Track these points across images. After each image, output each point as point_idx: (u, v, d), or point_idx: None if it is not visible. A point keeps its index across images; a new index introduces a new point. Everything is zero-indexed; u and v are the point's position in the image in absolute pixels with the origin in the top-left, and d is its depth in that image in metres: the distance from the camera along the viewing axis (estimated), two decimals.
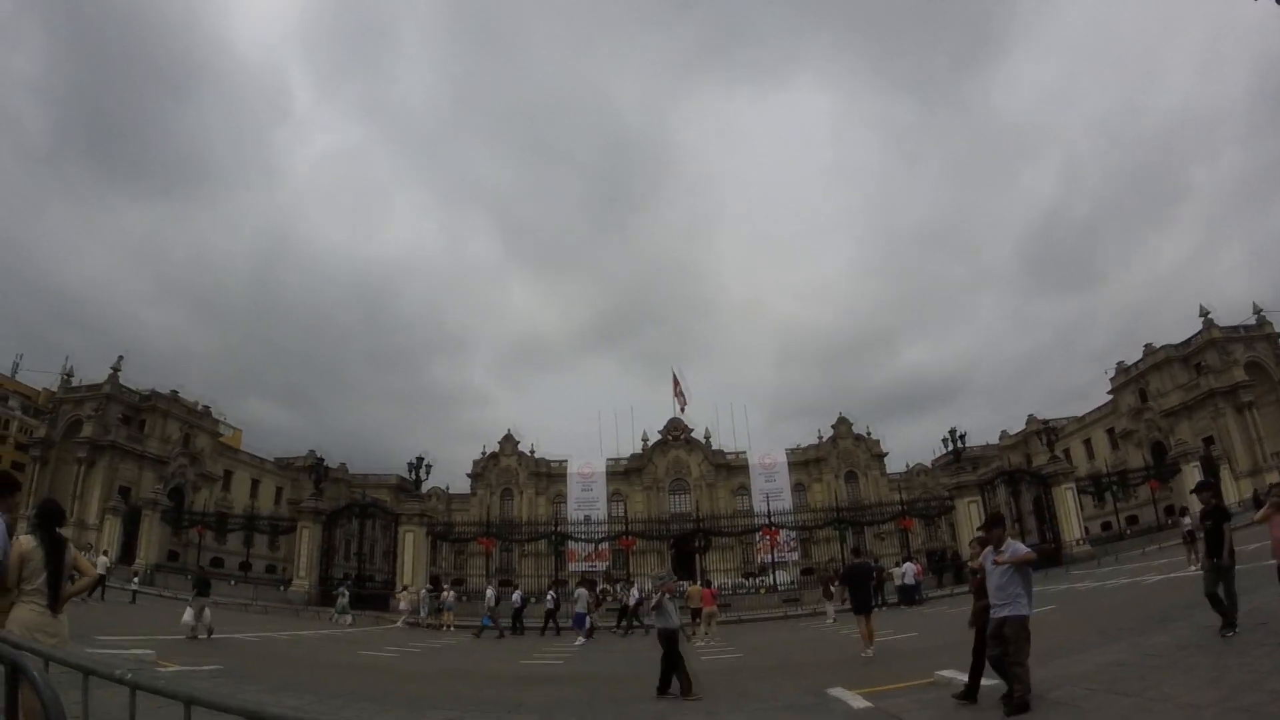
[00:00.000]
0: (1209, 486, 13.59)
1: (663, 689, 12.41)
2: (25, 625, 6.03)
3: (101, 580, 28.33)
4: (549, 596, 35.91)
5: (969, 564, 9.12)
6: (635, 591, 36.01)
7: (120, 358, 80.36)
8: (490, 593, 36.19)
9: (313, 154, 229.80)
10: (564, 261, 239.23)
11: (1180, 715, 6.95)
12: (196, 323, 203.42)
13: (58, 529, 6.64)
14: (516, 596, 36.01)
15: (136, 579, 42.09)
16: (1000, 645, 8.64)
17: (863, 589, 18.73)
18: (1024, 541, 45.54)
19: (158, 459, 77.73)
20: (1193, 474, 51.01)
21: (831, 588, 31.99)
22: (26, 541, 6.39)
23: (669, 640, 12.96)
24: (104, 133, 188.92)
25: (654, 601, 14.17)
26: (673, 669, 12.50)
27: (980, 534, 10.35)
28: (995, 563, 8.93)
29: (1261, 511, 11.59)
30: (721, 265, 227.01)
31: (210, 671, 14.26)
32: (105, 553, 32.08)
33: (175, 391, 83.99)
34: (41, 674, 2.09)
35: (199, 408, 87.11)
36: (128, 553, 53.90)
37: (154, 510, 57.00)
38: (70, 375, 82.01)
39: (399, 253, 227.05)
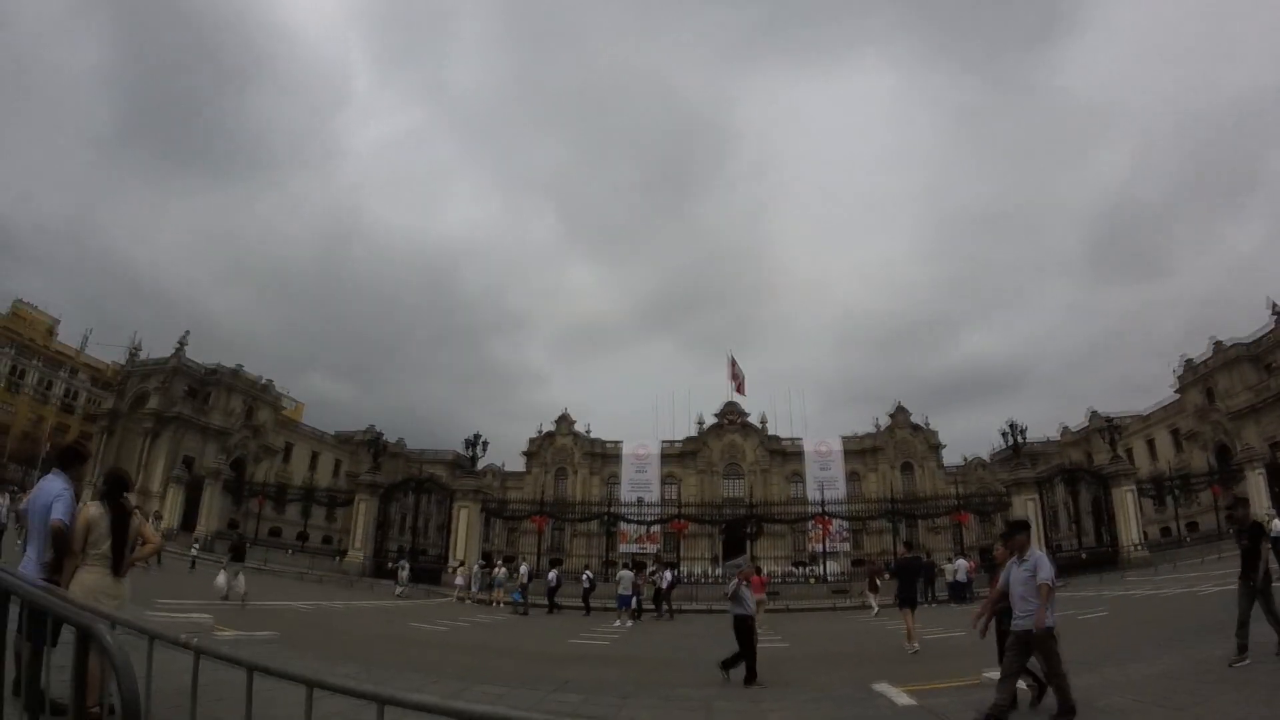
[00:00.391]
0: (1241, 503, 13.04)
1: (730, 664, 12.59)
2: (88, 588, 6.28)
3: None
4: (584, 576, 36.23)
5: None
6: (668, 574, 36.02)
7: (186, 333, 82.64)
8: (524, 569, 36.43)
9: (375, 138, 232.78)
10: (623, 244, 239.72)
11: None
12: (262, 301, 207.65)
13: (123, 497, 6.90)
14: (553, 575, 36.02)
15: (197, 545, 43.14)
16: (1018, 655, 8.52)
17: (911, 584, 19.25)
18: (1080, 543, 44.90)
19: (220, 431, 79.67)
20: (1257, 480, 49.62)
21: (878, 580, 32.49)
22: (93, 509, 6.66)
23: (743, 627, 13.00)
24: (172, 119, 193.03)
25: (731, 588, 14.11)
26: (745, 654, 12.57)
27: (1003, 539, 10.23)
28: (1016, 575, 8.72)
29: None
30: (781, 248, 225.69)
31: (265, 638, 14.62)
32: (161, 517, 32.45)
33: (239, 366, 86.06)
34: (112, 638, 2.19)
35: (261, 382, 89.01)
36: (189, 521, 55.25)
37: (216, 480, 58.35)
38: (138, 350, 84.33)
39: (460, 234, 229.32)
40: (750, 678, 12.31)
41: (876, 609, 30.45)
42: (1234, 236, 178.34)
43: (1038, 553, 8.56)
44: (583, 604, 33.96)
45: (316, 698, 2.29)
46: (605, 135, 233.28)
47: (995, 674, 11.26)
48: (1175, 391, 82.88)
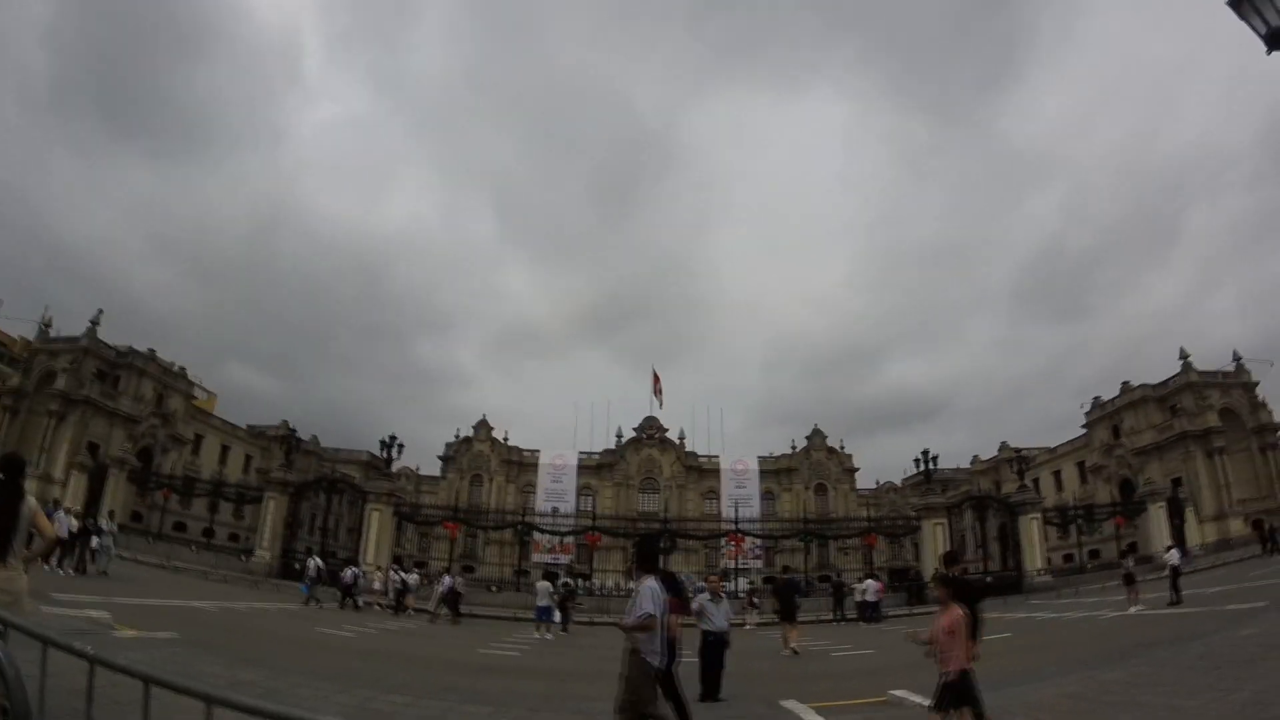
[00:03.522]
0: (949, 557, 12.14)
1: (708, 694, 12.20)
2: None
3: (70, 543, 27.69)
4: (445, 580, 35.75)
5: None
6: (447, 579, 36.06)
7: (100, 311, 79.02)
8: (447, 580, 35.84)
9: (319, 121, 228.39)
10: (562, 249, 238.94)
11: None
12: (186, 284, 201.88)
13: (17, 481, 6.58)
14: (447, 581, 35.45)
15: (96, 540, 41.76)
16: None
17: (789, 600, 23.34)
18: (986, 568, 45.85)
19: (129, 418, 76.96)
20: (1159, 514, 51.59)
21: (754, 599, 36.49)
22: None
23: (713, 645, 12.92)
24: (110, 86, 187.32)
25: (696, 604, 13.84)
26: (709, 672, 12.46)
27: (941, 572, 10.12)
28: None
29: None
30: (721, 265, 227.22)
31: (166, 639, 14.18)
32: (70, 511, 31.00)
33: (152, 350, 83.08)
34: (3, 648, 2.07)
35: (175, 369, 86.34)
36: (90, 511, 53.61)
37: (121, 469, 56.48)
38: (49, 325, 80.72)
39: (398, 227, 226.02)
40: (707, 694, 12.17)
41: (751, 625, 32.77)
42: (1154, 286, 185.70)
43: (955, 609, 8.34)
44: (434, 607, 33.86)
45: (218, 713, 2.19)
46: (553, 140, 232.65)
47: (901, 693, 11.51)
48: (1083, 428, 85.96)
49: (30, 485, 7.13)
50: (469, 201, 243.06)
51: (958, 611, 7.87)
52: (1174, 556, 27.53)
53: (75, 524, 27.85)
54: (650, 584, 8.33)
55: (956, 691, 7.69)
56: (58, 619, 13.51)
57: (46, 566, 25.34)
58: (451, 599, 33.51)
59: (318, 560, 36.03)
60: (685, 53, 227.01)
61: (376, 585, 37.93)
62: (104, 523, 31.65)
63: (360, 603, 34.40)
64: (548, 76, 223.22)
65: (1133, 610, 25.18)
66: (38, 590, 15.59)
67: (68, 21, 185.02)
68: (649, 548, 9.55)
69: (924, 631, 8.38)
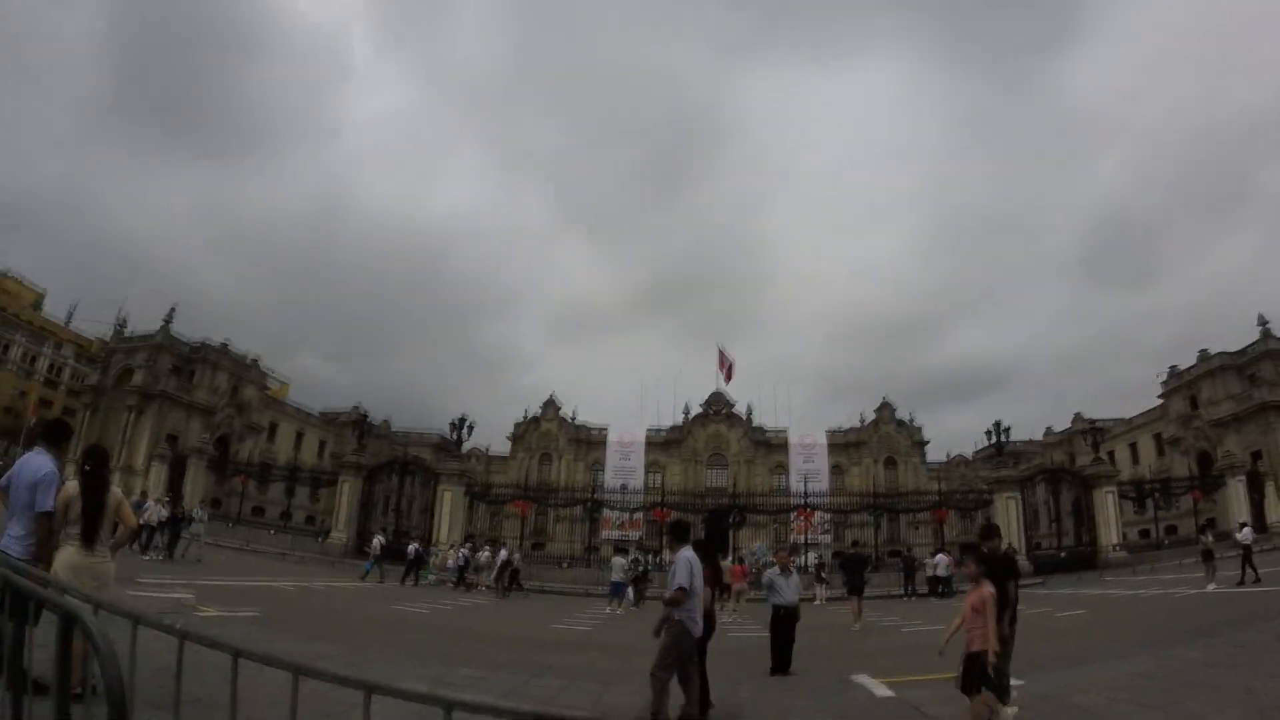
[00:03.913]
0: (993, 531, 10.92)
1: (779, 667, 12.39)
2: (70, 566, 6.28)
3: (161, 530, 28.34)
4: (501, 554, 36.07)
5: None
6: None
7: (173, 308, 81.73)
8: (503, 553, 36.11)
9: (373, 113, 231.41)
10: (618, 228, 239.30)
11: None
12: (252, 277, 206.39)
13: (101, 471, 6.86)
14: (503, 554, 35.70)
15: (189, 526, 42.98)
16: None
17: (858, 574, 23.79)
18: (1059, 543, 44.94)
19: (205, 409, 79.30)
20: (1238, 489, 49.96)
21: (823, 574, 35.35)
22: (71, 486, 6.66)
23: (781, 619, 12.93)
24: (166, 89, 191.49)
25: (765, 578, 13.92)
26: (778, 645, 12.55)
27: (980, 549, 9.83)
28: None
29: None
30: (778, 239, 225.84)
31: (248, 618, 14.60)
32: (160, 500, 31.45)
33: (225, 343, 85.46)
34: (95, 623, 2.19)
35: (248, 360, 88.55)
36: (173, 499, 55.10)
37: (199, 458, 57.96)
38: (124, 325, 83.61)
39: (455, 213, 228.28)
40: (777, 668, 12.31)
41: (822, 600, 32.14)
42: (1226, 250, 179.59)
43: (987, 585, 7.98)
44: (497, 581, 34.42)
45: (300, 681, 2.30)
46: (605, 119, 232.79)
47: None
48: (1160, 398, 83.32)
49: (114, 478, 7.44)
50: (524, 184, 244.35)
51: (987, 589, 7.71)
52: (1246, 535, 26.75)
53: (165, 512, 28.45)
54: (684, 555, 8.66)
55: (980, 673, 7.46)
56: (144, 601, 13.99)
57: (145, 555, 26.22)
58: (504, 573, 33.90)
59: (380, 539, 36.81)
60: (729, 27, 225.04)
61: (450, 563, 38.43)
62: (195, 510, 32.46)
63: (420, 579, 35.24)
64: (595, 56, 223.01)
65: (1210, 588, 24.54)
66: (125, 575, 16.23)
67: (120, 29, 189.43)
68: (679, 524, 9.75)
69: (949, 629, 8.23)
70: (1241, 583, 24.39)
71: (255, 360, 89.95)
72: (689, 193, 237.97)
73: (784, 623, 12.81)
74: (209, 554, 29.71)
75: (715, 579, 9.88)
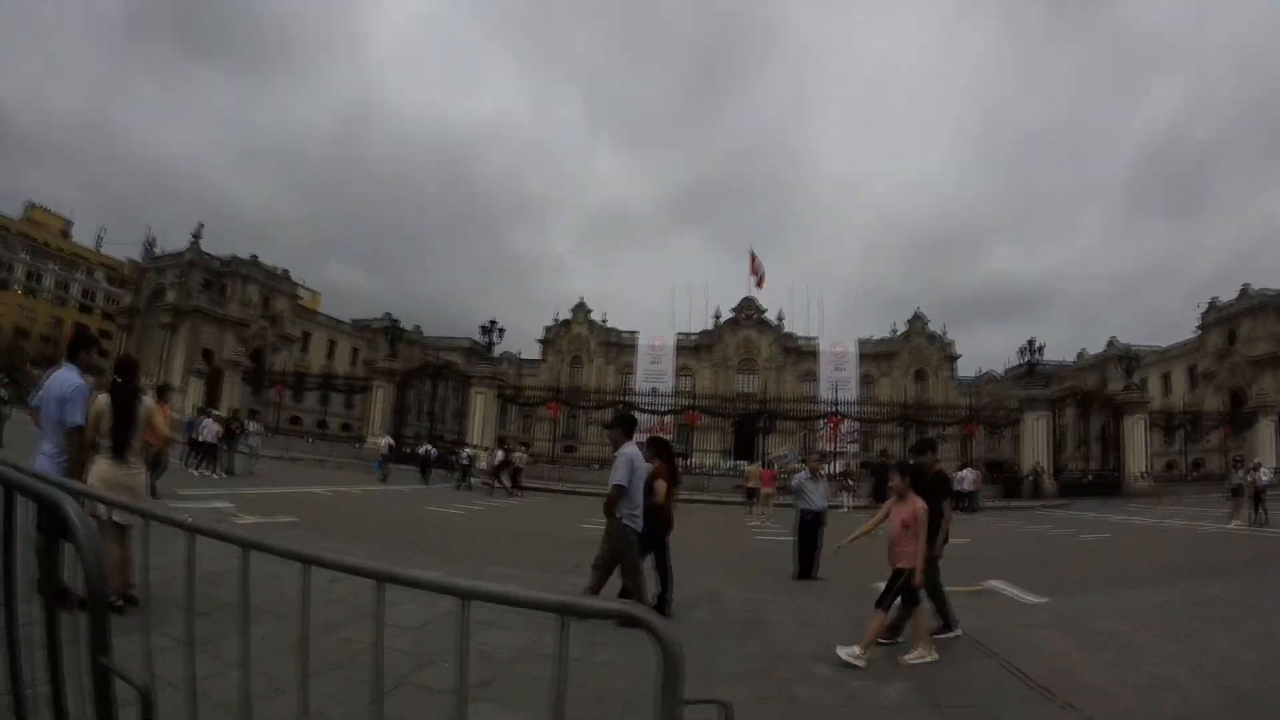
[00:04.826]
0: (928, 445, 10.50)
1: (805, 573, 12.49)
2: (102, 478, 6.41)
3: (216, 447, 28.30)
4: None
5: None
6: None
7: (201, 225, 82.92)
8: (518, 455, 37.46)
9: (398, 20, 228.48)
10: (653, 133, 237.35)
11: (1226, 669, 6.87)
12: (279, 190, 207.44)
13: (131, 383, 6.93)
14: (499, 454, 36.24)
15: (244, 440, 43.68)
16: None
17: (884, 482, 21.42)
18: (1086, 467, 44.76)
19: (238, 322, 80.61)
20: (1268, 429, 49.82)
21: (849, 482, 36.95)
22: (102, 399, 6.72)
23: (809, 525, 12.93)
24: (183, 9, 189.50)
25: (794, 482, 13.94)
26: (805, 550, 12.61)
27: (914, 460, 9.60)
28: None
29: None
30: (817, 147, 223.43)
31: (285, 524, 14.87)
32: (215, 416, 31.18)
33: (255, 256, 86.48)
34: (77, 511, 2.16)
35: (279, 271, 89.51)
36: (204, 411, 55.99)
37: (235, 371, 59.02)
38: (153, 245, 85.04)
39: (484, 118, 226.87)
40: (803, 572, 12.45)
41: (847, 508, 32.56)
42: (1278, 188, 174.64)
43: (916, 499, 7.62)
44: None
45: (332, 579, 2.29)
46: (640, 20, 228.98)
47: (997, 583, 11.48)
48: (1196, 331, 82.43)
49: (147, 391, 7.50)
50: (556, 89, 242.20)
51: (919, 504, 7.41)
52: (1263, 475, 26.54)
53: (219, 429, 28.49)
54: (626, 452, 8.62)
55: (903, 590, 7.16)
56: (181, 511, 14.26)
57: (212, 473, 26.49)
58: (502, 473, 34.62)
59: (389, 439, 39.03)
60: None
61: (482, 465, 38.99)
62: (250, 424, 32.78)
63: (473, 483, 35.73)
64: None
65: (1232, 525, 24.61)
66: (167, 489, 16.55)
67: None
68: (625, 416, 9.66)
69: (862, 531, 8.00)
70: (1255, 523, 24.46)
71: (285, 272, 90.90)
72: (727, 100, 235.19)
73: (810, 528, 12.84)
74: (245, 463, 30.13)
75: (673, 475, 9.77)
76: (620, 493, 8.37)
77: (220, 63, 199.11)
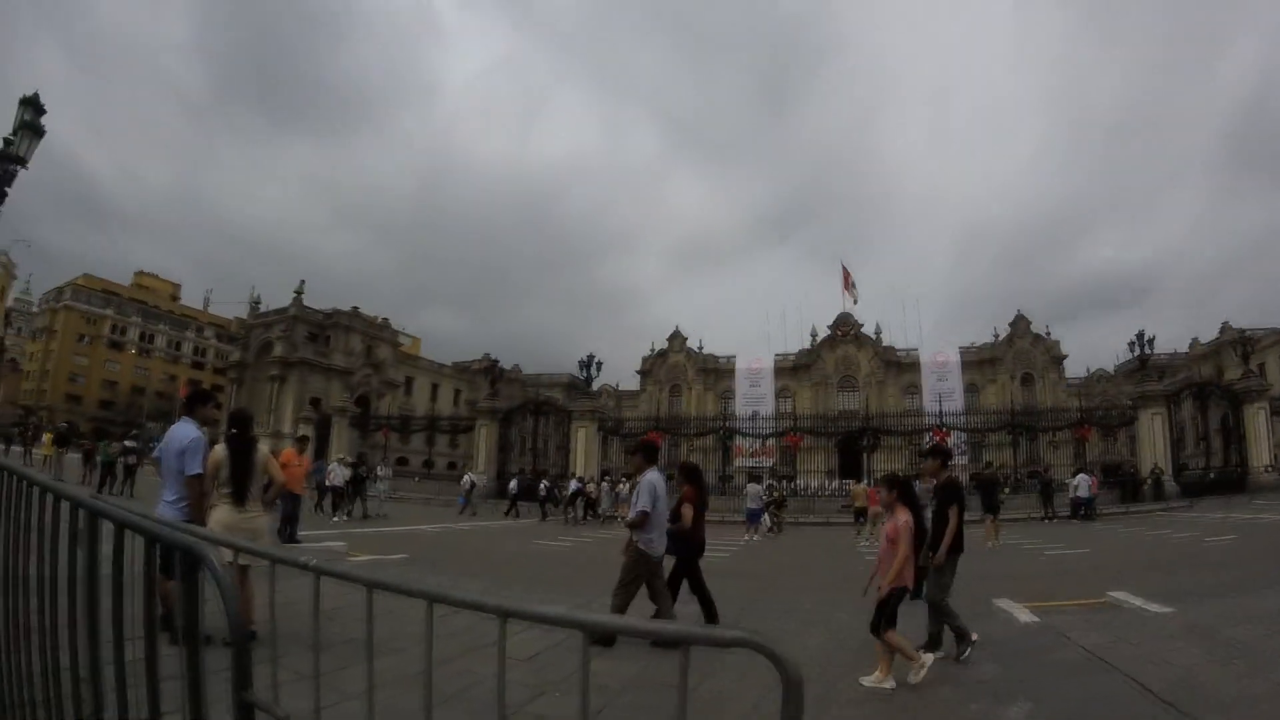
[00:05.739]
0: (939, 452, 9.63)
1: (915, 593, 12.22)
2: (222, 523, 6.83)
3: (345, 491, 29.12)
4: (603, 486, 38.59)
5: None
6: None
7: (302, 281, 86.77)
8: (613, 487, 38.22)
9: (465, 68, 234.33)
10: (727, 155, 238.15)
11: None
12: (371, 244, 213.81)
13: (246, 433, 7.37)
14: (574, 484, 37.64)
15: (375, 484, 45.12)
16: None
17: (992, 494, 24.07)
18: (1208, 463, 42.93)
19: (343, 370, 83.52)
20: None
21: None
22: (219, 450, 7.18)
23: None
24: (264, 81, 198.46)
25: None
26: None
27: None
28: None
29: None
30: (896, 157, 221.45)
31: (398, 560, 15.25)
32: (344, 461, 31.95)
33: (355, 308, 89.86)
34: (216, 557, 2.33)
35: (378, 320, 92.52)
36: (319, 458, 57.74)
37: (343, 417, 60.68)
38: (258, 303, 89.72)
39: (559, 155, 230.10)
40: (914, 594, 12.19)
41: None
42: None
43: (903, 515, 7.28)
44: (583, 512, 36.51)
45: (443, 614, 2.40)
46: (703, 43, 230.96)
47: (1120, 594, 11.11)
48: None
49: (260, 439, 7.93)
50: (628, 119, 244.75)
51: (902, 518, 7.12)
52: None
53: (348, 473, 29.38)
54: (649, 478, 8.82)
55: (888, 611, 6.92)
56: (298, 552, 14.73)
57: (334, 516, 27.44)
58: (573, 502, 36.06)
59: (471, 477, 41.31)
60: None
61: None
62: (380, 469, 33.83)
63: (556, 514, 36.69)
64: None
65: None
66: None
67: (212, 33, 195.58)
68: (647, 444, 9.75)
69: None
70: None
71: (385, 320, 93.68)
72: (799, 113, 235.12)
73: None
74: (386, 507, 31.28)
75: (701, 500, 9.81)
76: (644, 518, 8.58)
77: (302, 128, 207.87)
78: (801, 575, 13.60)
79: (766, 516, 30.37)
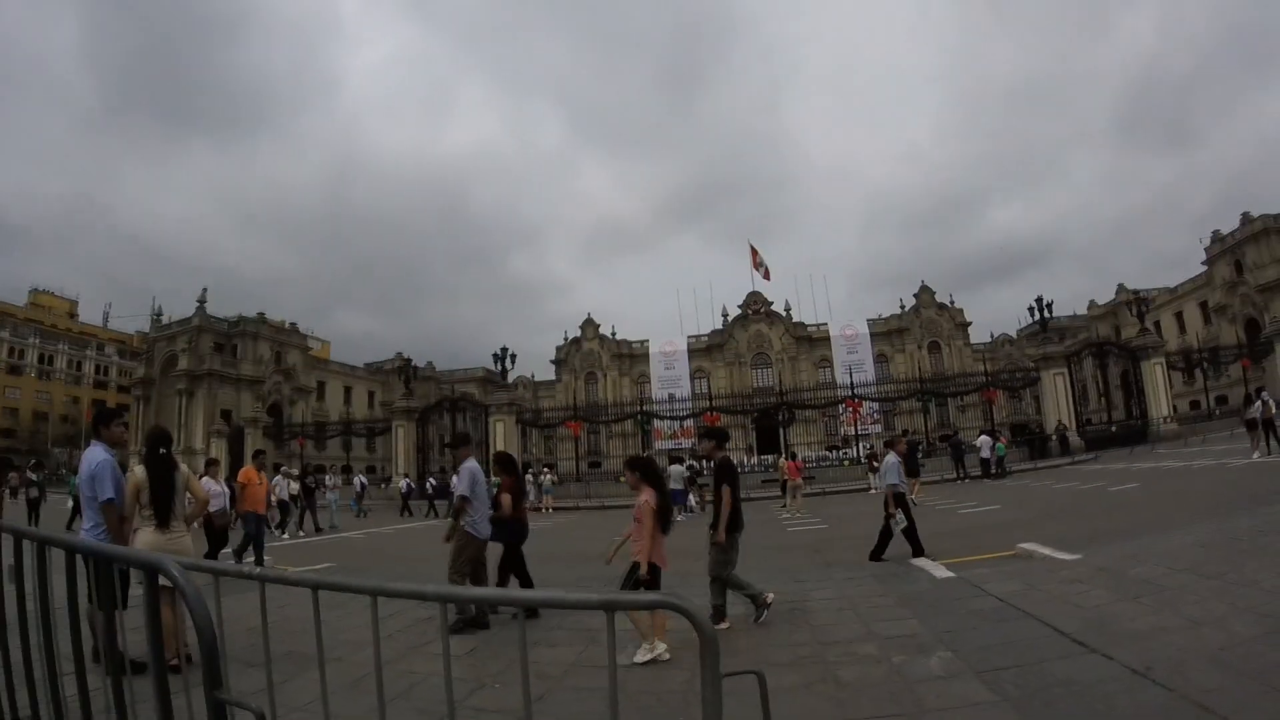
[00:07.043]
0: (715, 434, 10.65)
1: (918, 552, 12.33)
2: (149, 544, 6.66)
3: (288, 506, 27.51)
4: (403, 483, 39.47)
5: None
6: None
7: (205, 290, 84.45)
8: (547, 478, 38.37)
9: (367, 63, 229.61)
10: (636, 141, 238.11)
11: (1263, 599, 6.97)
12: (278, 248, 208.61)
13: (164, 452, 7.19)
14: (360, 481, 38.83)
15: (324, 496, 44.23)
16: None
17: (912, 459, 24.41)
18: (1110, 417, 44.95)
19: (253, 380, 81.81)
20: None
21: (874, 463, 35.11)
22: (139, 471, 7.01)
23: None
24: (156, 87, 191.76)
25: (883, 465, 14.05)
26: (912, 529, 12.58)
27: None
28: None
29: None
30: (801, 134, 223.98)
31: (326, 568, 15.11)
32: (288, 474, 29.83)
33: (262, 314, 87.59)
34: (181, 573, 2.37)
35: (286, 326, 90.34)
36: (235, 472, 56.21)
37: (255, 428, 59.61)
38: (159, 315, 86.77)
39: (466, 150, 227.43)
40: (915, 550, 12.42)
41: (874, 489, 32.08)
42: (1267, 106, 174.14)
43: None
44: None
45: (381, 616, 2.46)
46: (607, 30, 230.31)
47: (1030, 545, 11.55)
48: (1204, 265, 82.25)
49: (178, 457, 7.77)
50: (533, 111, 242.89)
51: (643, 496, 7.27)
52: (1255, 410, 26.43)
53: (295, 486, 27.86)
54: (467, 465, 9.32)
55: (633, 586, 6.93)
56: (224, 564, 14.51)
57: (281, 533, 25.91)
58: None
59: (362, 479, 41.66)
60: None
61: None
62: (328, 479, 32.77)
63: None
64: None
65: (1255, 457, 24.59)
66: (200, 550, 16.75)
67: (100, 39, 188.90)
68: (461, 435, 10.31)
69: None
70: (1273, 452, 24.52)
71: (293, 325, 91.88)
72: (704, 98, 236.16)
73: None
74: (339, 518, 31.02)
75: (518, 488, 10.27)
76: (464, 503, 9.06)
77: (201, 131, 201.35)
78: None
79: (692, 497, 30.60)
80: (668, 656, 6.71)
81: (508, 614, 8.65)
